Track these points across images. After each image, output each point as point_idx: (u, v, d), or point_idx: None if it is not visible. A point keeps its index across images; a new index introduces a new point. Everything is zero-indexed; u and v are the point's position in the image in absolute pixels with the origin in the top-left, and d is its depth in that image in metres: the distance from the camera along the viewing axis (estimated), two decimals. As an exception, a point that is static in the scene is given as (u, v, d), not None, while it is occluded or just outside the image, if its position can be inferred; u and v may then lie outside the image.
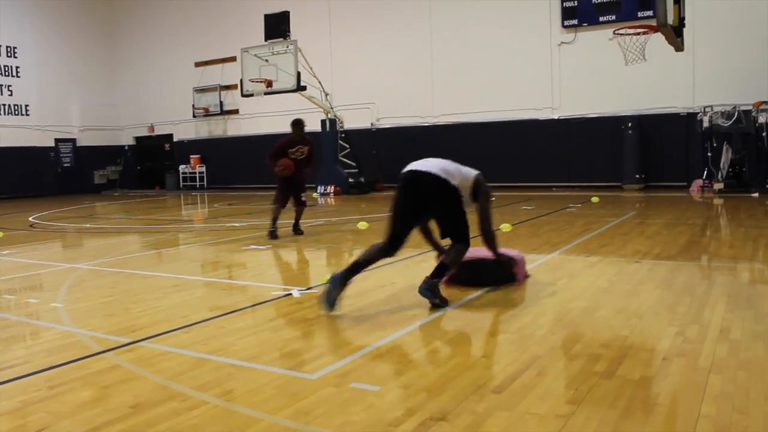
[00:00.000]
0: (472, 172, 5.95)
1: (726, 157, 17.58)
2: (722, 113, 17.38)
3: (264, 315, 5.65)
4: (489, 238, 6.04)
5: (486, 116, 22.00)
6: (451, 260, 5.72)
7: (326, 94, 21.87)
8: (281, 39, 21.01)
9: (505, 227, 10.42)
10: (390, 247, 5.66)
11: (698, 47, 18.65)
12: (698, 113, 18.23)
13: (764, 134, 16.91)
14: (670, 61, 18.01)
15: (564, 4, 20.87)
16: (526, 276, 6.60)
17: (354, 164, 22.19)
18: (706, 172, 17.73)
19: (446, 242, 6.05)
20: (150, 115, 29.92)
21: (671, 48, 11.05)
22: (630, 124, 19.38)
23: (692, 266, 7.15)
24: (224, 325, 5.31)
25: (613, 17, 19.92)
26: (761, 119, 16.97)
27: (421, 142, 22.75)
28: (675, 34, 10.27)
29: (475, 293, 6.03)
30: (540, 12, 21.31)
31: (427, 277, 5.62)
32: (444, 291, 5.90)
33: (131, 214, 17.45)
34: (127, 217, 16.61)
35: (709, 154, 17.66)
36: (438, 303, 5.53)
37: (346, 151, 22.26)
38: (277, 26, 21.28)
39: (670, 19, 9.60)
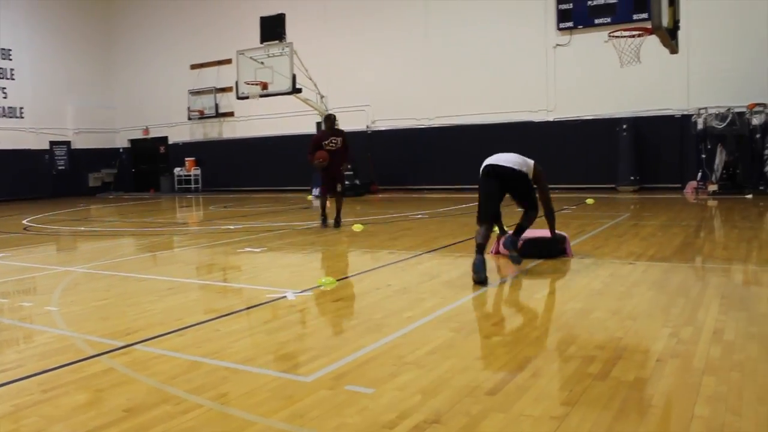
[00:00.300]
0: (530, 161, 7.63)
1: (720, 158, 17.62)
2: (716, 115, 17.44)
3: (259, 318, 5.65)
4: (551, 213, 7.80)
5: (482, 118, 22.02)
6: (528, 222, 7.53)
7: (321, 97, 21.86)
8: (277, 41, 20.99)
9: (496, 230, 10.41)
10: (488, 226, 7.18)
11: (693, 49, 18.70)
12: (692, 115, 18.29)
13: (758, 136, 16.98)
14: (665, 64, 18.04)
15: (559, 6, 20.91)
16: (572, 254, 8.04)
17: (349, 166, 22.19)
18: (700, 173, 17.79)
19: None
20: (145, 117, 29.88)
21: (666, 50, 11.07)
22: (625, 126, 19.43)
23: (686, 268, 7.17)
24: (219, 327, 5.30)
25: (609, 20, 19.96)
26: (755, 121, 17.03)
27: (416, 145, 22.77)
28: (670, 37, 10.29)
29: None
30: (535, 14, 21.34)
31: (510, 234, 7.60)
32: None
33: (126, 216, 17.42)
34: (121, 219, 16.58)
35: (704, 155, 17.71)
36: (515, 256, 7.42)
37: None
38: (272, 28, 21.26)
39: (665, 21, 9.62)
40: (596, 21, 20.31)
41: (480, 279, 6.58)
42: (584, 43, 20.59)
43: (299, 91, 20.83)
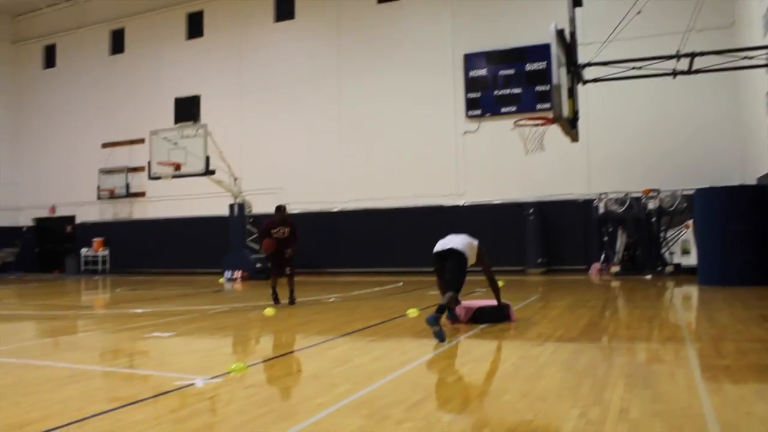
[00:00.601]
0: (475, 241, 8.94)
1: (621, 241, 18.38)
2: (616, 200, 18.25)
3: (166, 406, 5.40)
4: (495, 284, 9.28)
5: (394, 202, 22.34)
6: (447, 301, 8.36)
7: (235, 179, 21.78)
8: (191, 122, 20.96)
9: (412, 312, 10.45)
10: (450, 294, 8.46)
11: (592, 138, 19.68)
12: (594, 200, 19.07)
13: (653, 220, 17.80)
14: (567, 151, 18.90)
15: (468, 95, 21.74)
16: (515, 319, 9.32)
17: (258, 248, 21.98)
18: (603, 255, 18.44)
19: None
20: (52, 195, 28.97)
21: (567, 138, 11.61)
22: (531, 210, 20.05)
23: (593, 348, 7.33)
24: (122, 418, 5.04)
25: (514, 108, 20.86)
26: (650, 206, 17.91)
27: (329, 228, 22.84)
28: (570, 126, 10.80)
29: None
30: (446, 101, 22.09)
31: (432, 314, 7.93)
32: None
33: (26, 299, 16.59)
34: (21, 302, 15.78)
35: (606, 238, 18.42)
36: (437, 331, 7.78)
37: (254, 236, 22.08)
38: (187, 109, 21.29)
39: (566, 112, 10.11)
40: (502, 110, 21.18)
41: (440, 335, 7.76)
42: (492, 130, 21.37)
43: (212, 172, 20.72)
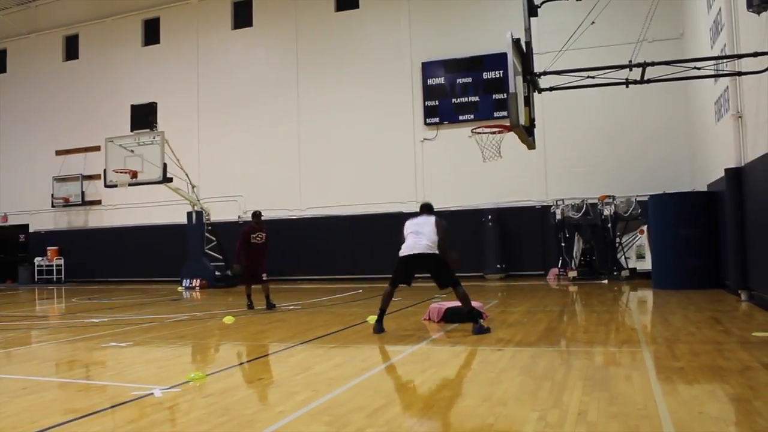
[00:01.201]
0: (432, 219, 9.07)
1: (578, 246, 18.61)
2: (572, 206, 18.48)
3: (124, 417, 5.31)
4: (443, 249, 8.94)
5: (353, 209, 22.34)
6: (465, 302, 8.77)
7: (193, 186, 21.56)
8: (148, 129, 20.68)
9: (372, 319, 10.45)
10: (392, 291, 9.06)
11: (549, 145, 19.94)
12: (551, 206, 19.29)
13: (609, 225, 18.07)
14: (524, 158, 19.10)
15: (426, 102, 21.86)
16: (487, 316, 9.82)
17: (220, 257, 21.79)
18: (561, 261, 18.65)
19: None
20: (4, 203, 28.32)
21: (524, 146, 11.73)
22: (490, 217, 20.21)
23: (552, 352, 7.41)
24: (79, 430, 4.94)
25: (472, 116, 21.04)
26: (606, 211, 18.15)
27: (288, 235, 22.73)
28: (527, 134, 10.91)
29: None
30: (404, 109, 22.18)
31: (473, 325, 8.58)
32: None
33: (-22, 311, 16.16)
34: (-28, 314, 15.36)
35: (563, 244, 18.64)
36: (487, 331, 8.51)
37: (213, 243, 21.87)
38: (143, 116, 20.99)
39: (522, 120, 10.21)
40: (461, 117, 21.34)
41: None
42: (450, 137, 21.51)
43: (170, 180, 20.48)
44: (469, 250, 20.62)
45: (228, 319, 11.34)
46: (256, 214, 13.74)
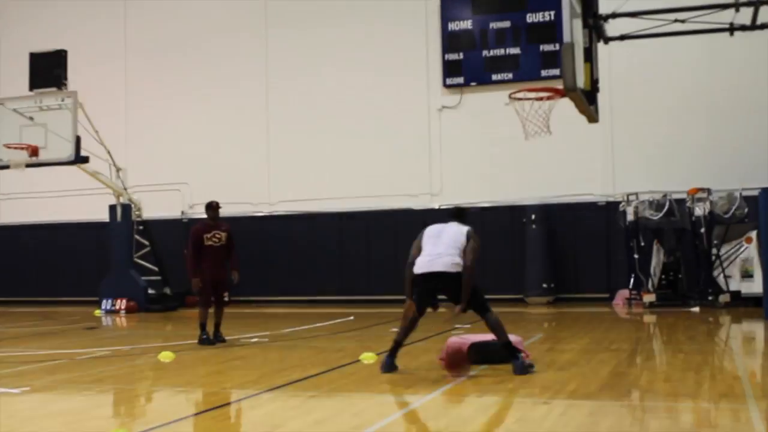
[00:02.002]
0: (463, 234, 9.37)
1: (657, 259, 18.56)
2: (650, 203, 18.39)
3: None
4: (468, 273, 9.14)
5: (342, 205, 22.29)
6: (499, 333, 9.07)
7: (118, 170, 21.52)
8: (54, 89, 20.59)
9: (368, 358, 10.42)
10: (415, 323, 9.37)
11: (618, 118, 19.88)
12: (620, 203, 19.23)
13: (702, 230, 17.97)
14: (583, 136, 19.02)
15: (446, 56, 21.76)
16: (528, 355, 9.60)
17: (156, 269, 21.73)
18: (633, 279, 18.59)
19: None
20: None
21: (583, 118, 11.70)
22: (534, 217, 20.14)
23: (619, 408, 7.38)
24: None
25: (510, 76, 20.96)
26: (698, 211, 18.03)
27: (252, 239, 22.64)
28: (587, 101, 10.89)
29: None
30: (414, 66, 22.11)
31: (513, 362, 8.88)
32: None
33: None
34: None
35: (636, 256, 18.56)
36: (532, 369, 8.98)
37: (146, 250, 21.81)
38: (48, 71, 20.85)
39: (581, 81, 10.18)
40: (494, 77, 21.27)
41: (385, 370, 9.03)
42: (478, 105, 21.46)
43: (86, 160, 20.40)
44: (504, 263, 20.56)
45: (166, 356, 11.31)
46: (212, 206, 13.59)
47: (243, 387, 8.84)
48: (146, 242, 21.87)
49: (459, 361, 9.67)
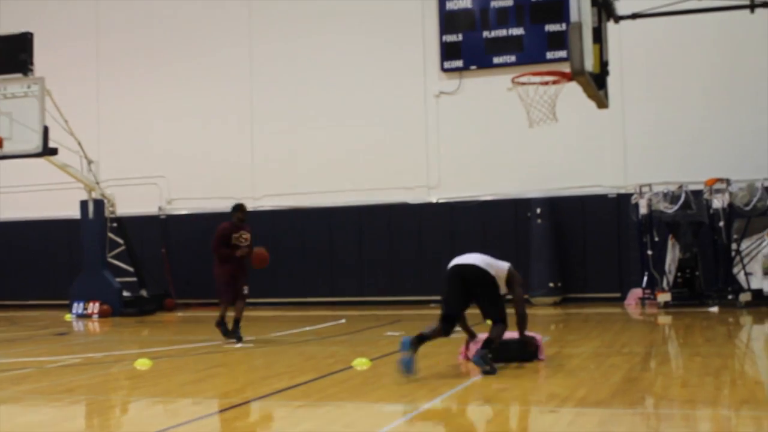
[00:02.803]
0: (505, 264, 10.22)
1: (673, 256, 18.57)
2: (665, 195, 18.40)
3: None
4: (523, 320, 10.10)
5: (331, 200, 22.28)
6: (495, 336, 9.71)
7: (89, 163, 21.47)
8: (20, 75, 20.53)
9: (361, 364, 10.41)
10: (444, 330, 9.76)
11: (630, 104, 19.87)
12: (632, 195, 19.23)
13: (721, 224, 17.98)
14: (592, 123, 19.03)
15: (443, 38, 21.75)
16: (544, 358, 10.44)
17: (132, 269, 21.71)
18: (646, 277, 18.60)
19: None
20: None
21: (592, 104, 11.70)
22: (539, 211, 20.15)
23: (632, 415, 7.38)
24: None
25: (513, 58, 20.97)
26: (716, 203, 18.03)
27: (235, 237, 22.62)
28: (596, 85, 10.88)
29: None
30: (410, 49, 22.09)
31: (478, 349, 9.57)
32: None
33: None
34: None
35: (650, 252, 18.58)
36: (488, 370, 9.32)
37: (120, 249, 21.78)
38: (12, 55, 20.78)
39: (589, 64, 10.17)
40: (495, 60, 21.27)
41: (405, 372, 9.05)
42: (479, 90, 21.45)
43: (54, 152, 20.34)
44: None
45: (142, 364, 11.29)
46: (242, 208, 14.52)
47: (226, 396, 8.84)
48: (120, 241, 21.81)
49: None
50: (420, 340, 9.37)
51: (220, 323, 13.78)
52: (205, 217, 23.21)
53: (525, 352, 10.27)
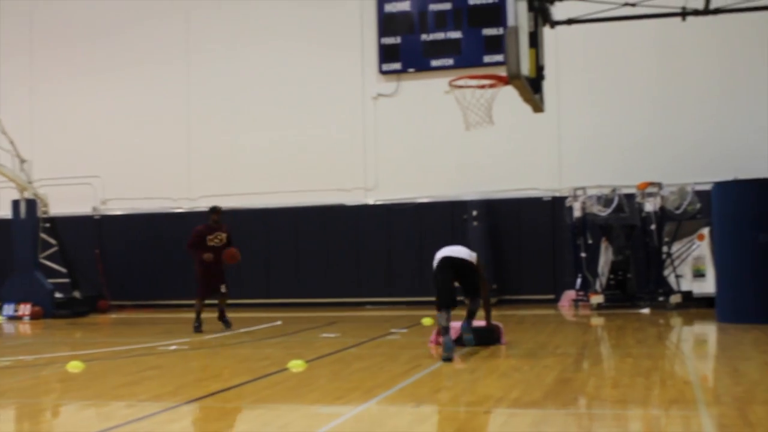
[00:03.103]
0: (474, 253, 11.93)
1: (606, 258, 18.77)
2: (598, 198, 18.57)
3: None
4: (488, 304, 12.17)
5: (267, 201, 22.21)
6: (474, 306, 11.73)
7: (21, 161, 21.19)
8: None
9: (295, 365, 10.39)
10: (448, 311, 11.07)
11: (565, 108, 20.06)
12: (567, 198, 19.39)
13: (653, 227, 18.20)
14: (528, 127, 19.18)
15: (382, 40, 21.75)
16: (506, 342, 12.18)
17: (65, 270, 21.45)
18: (580, 279, 18.77)
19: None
20: None
21: (528, 108, 11.77)
22: (475, 213, 20.24)
23: (564, 416, 7.45)
24: None
25: (450, 61, 21.05)
26: (648, 206, 18.25)
27: (170, 238, 22.49)
28: (532, 89, 10.94)
29: None
30: (348, 50, 22.09)
31: (464, 321, 11.69)
32: None
33: None
34: None
35: (584, 254, 18.75)
36: (469, 339, 11.57)
37: (53, 249, 21.52)
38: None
39: (525, 68, 10.22)
40: (433, 63, 21.34)
41: (449, 357, 10.50)
42: (417, 93, 21.52)
43: (-16, 151, 20.08)
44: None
45: (74, 366, 11.16)
46: (217, 210, 16.08)
47: (159, 399, 8.76)
48: (53, 241, 21.55)
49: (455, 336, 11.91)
50: (447, 332, 10.87)
51: (197, 316, 15.54)
52: (140, 218, 23.06)
53: (491, 338, 12.05)
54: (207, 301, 16.12)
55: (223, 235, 15.77)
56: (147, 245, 22.78)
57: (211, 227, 15.72)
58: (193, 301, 16.00)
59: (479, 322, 12.01)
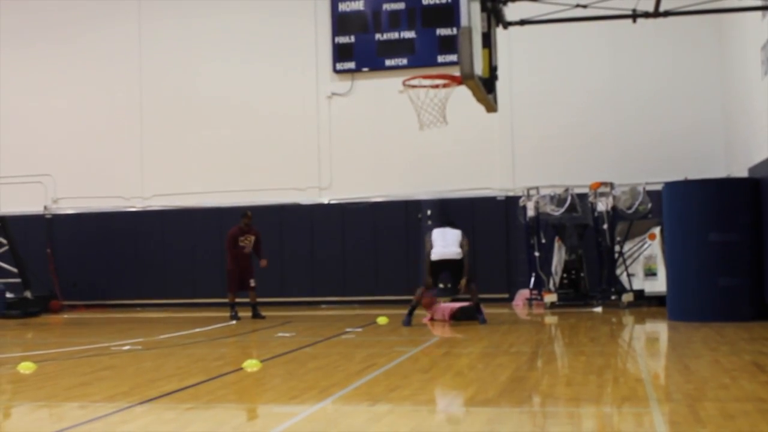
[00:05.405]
0: (459, 232, 15.04)
1: (559, 257, 18.90)
2: (551, 198, 18.67)
3: None
4: (473, 285, 15.36)
5: (222, 199, 22.12)
6: (476, 298, 15.29)
7: (-29, 160, 20.96)
8: None
9: (250, 365, 10.36)
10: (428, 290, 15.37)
11: (518, 108, 20.20)
12: (521, 197, 19.49)
13: (605, 227, 18.33)
14: (481, 127, 19.28)
15: (336, 39, 21.75)
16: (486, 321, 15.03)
17: (16, 270, 21.24)
18: (533, 278, 18.87)
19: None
20: None
21: (481, 108, 11.81)
22: (429, 212, 20.30)
23: (518, 414, 7.49)
24: None
25: (404, 61, 21.10)
26: (600, 206, 18.36)
27: (123, 237, 22.36)
28: (486, 89, 10.98)
29: None
30: (302, 51, 22.07)
31: (479, 316, 15.12)
32: None
33: None
34: None
35: (537, 253, 18.85)
36: (484, 319, 15.14)
37: (3, 249, 21.31)
38: None
39: (479, 68, 10.25)
40: (387, 62, 21.38)
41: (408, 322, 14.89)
42: (371, 92, 21.55)
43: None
44: (397, 262, 20.72)
45: (26, 367, 11.06)
46: (247, 215, 18.06)
47: (113, 400, 8.70)
48: (4, 240, 21.36)
49: (441, 318, 15.88)
50: (413, 310, 15.12)
51: (232, 307, 17.89)
52: (93, 217, 22.88)
53: (476, 315, 15.14)
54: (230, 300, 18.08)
55: (252, 237, 17.97)
56: (99, 244, 22.59)
57: (243, 229, 17.90)
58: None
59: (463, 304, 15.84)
